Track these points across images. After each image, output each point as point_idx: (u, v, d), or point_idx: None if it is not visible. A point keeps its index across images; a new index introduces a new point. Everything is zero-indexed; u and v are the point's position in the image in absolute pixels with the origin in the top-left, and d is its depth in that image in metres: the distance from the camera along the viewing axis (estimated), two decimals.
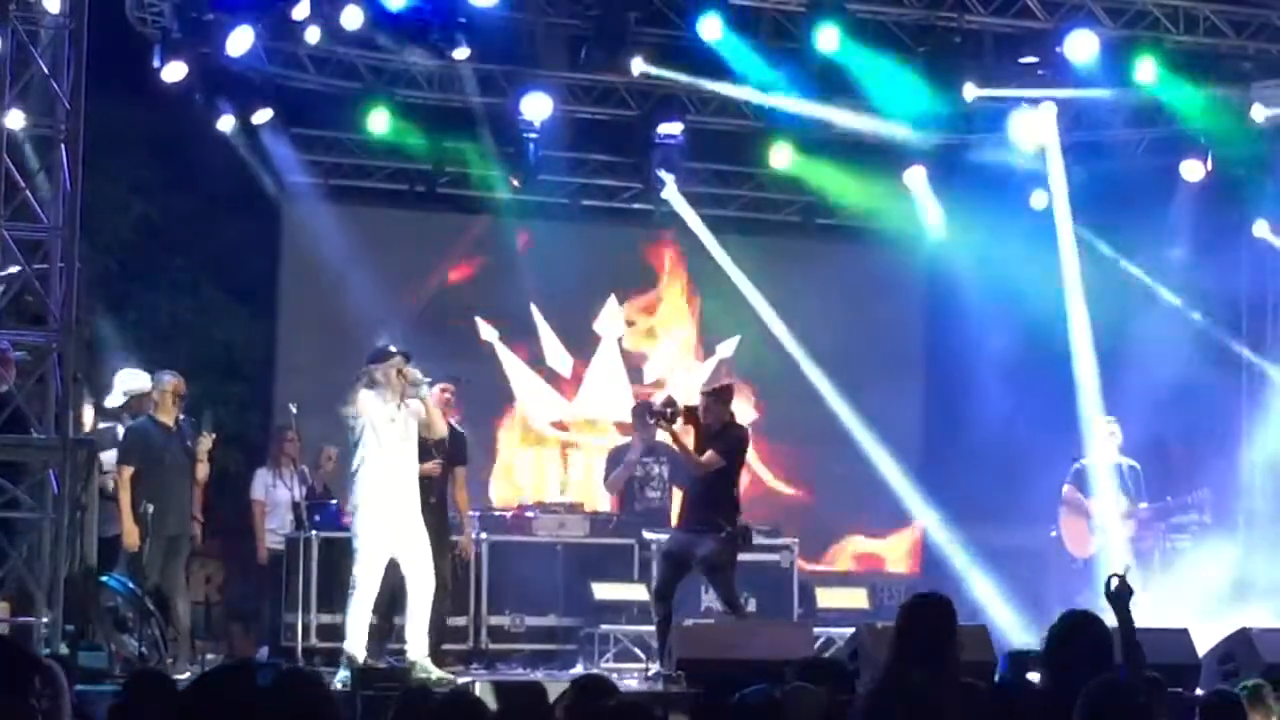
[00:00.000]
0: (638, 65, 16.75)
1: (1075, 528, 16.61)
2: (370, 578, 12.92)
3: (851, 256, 19.46)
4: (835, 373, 18.81)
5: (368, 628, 12.99)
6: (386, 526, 12.92)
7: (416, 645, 13.02)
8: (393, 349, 13.06)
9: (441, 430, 13.49)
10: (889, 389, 19.25)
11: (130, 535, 13.43)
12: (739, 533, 13.68)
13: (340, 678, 12.38)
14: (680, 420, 13.71)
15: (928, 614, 7.23)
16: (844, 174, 18.62)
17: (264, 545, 15.47)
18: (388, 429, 12.97)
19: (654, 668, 13.95)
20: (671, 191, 18.59)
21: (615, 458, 16.91)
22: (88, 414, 13.47)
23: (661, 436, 14.09)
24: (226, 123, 16.40)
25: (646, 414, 13.94)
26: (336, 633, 13.73)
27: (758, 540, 14.62)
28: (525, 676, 13.89)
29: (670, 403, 13.91)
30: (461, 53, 16.28)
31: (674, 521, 14.51)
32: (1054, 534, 16.92)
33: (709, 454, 13.62)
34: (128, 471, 13.50)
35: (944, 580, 17.17)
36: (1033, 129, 17.90)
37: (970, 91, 17.32)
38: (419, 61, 16.72)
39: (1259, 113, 17.08)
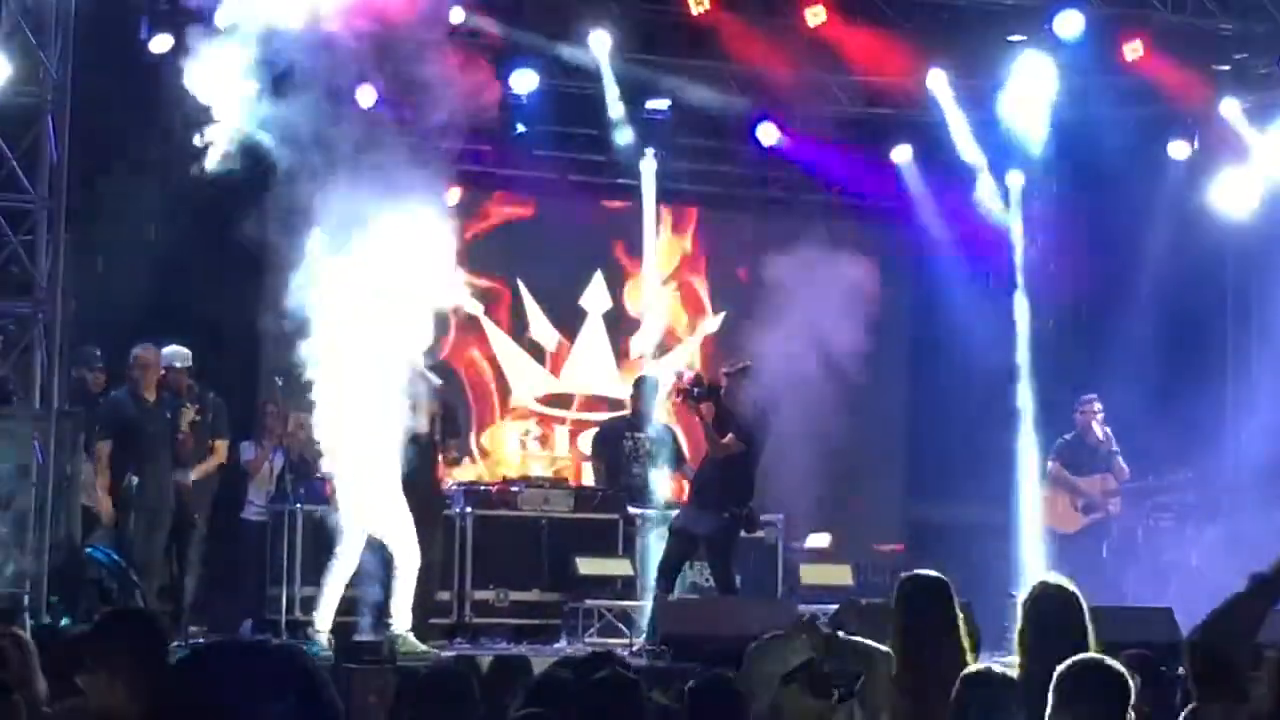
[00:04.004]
0: (597, 40, 16.69)
1: (1059, 504, 16.65)
2: (351, 555, 13.02)
3: (837, 233, 19.45)
4: (820, 348, 18.78)
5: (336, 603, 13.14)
6: (366, 504, 13.03)
7: (401, 619, 13.08)
8: None
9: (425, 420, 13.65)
10: (875, 363, 19.23)
11: (105, 508, 13.50)
12: (743, 516, 13.71)
13: (313, 651, 12.43)
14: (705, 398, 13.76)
15: (932, 593, 7.23)
16: (831, 151, 18.61)
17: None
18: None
19: (638, 643, 13.99)
20: (648, 165, 18.58)
21: (605, 433, 16.90)
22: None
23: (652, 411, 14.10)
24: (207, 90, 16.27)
25: (674, 392, 13.99)
26: None
27: None
28: (509, 651, 13.91)
29: (698, 380, 13.95)
30: (457, 15, 16.26)
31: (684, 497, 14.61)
32: (1036, 511, 16.97)
33: (729, 437, 13.64)
34: (105, 446, 13.58)
35: (926, 557, 17.18)
36: (1020, 106, 17.92)
37: (935, 78, 17.35)
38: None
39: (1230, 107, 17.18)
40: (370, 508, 13.03)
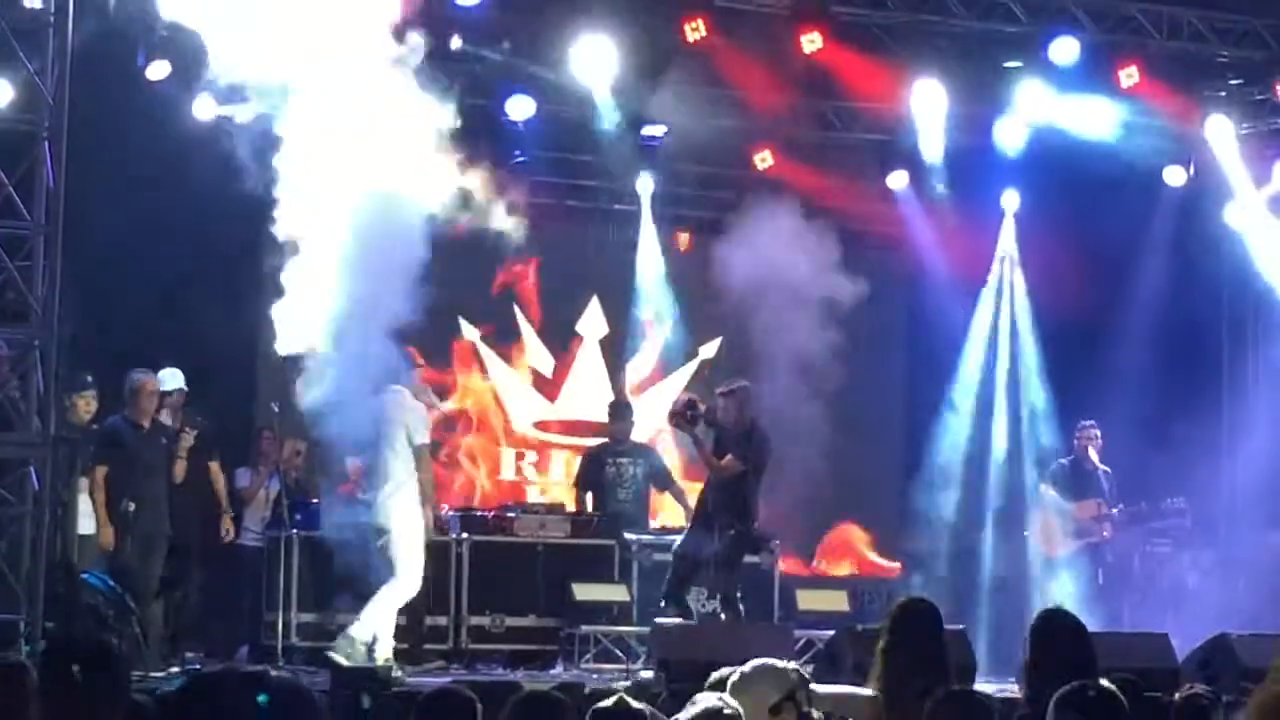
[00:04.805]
0: (594, 66, 16.71)
1: (1048, 527, 16.66)
2: (413, 580, 13.19)
3: (834, 258, 19.44)
4: (816, 371, 18.80)
5: None
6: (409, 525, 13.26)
7: (365, 629, 13.19)
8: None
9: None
10: (871, 386, 19.25)
11: (104, 534, 13.50)
12: (749, 535, 13.68)
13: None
14: (702, 422, 13.74)
15: (920, 620, 7.24)
16: (827, 176, 18.63)
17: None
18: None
19: (635, 668, 13.98)
20: (644, 190, 18.61)
21: (587, 461, 16.85)
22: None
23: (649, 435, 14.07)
24: (207, 110, 16.30)
25: (668, 416, 13.99)
26: (318, 631, 13.79)
27: None
28: (505, 677, 13.90)
29: (692, 404, 13.92)
30: (455, 42, 16.31)
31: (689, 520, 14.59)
32: (1026, 533, 16.98)
33: (728, 458, 13.62)
34: (101, 471, 13.59)
35: (924, 582, 17.19)
36: (1014, 132, 17.95)
37: (921, 91, 17.33)
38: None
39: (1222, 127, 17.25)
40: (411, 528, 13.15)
